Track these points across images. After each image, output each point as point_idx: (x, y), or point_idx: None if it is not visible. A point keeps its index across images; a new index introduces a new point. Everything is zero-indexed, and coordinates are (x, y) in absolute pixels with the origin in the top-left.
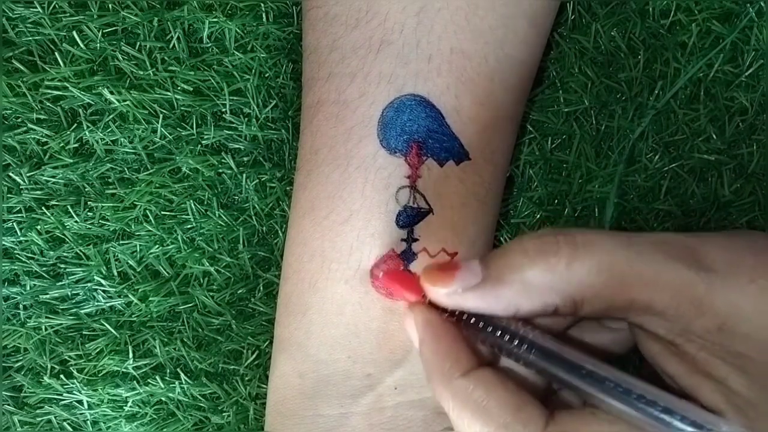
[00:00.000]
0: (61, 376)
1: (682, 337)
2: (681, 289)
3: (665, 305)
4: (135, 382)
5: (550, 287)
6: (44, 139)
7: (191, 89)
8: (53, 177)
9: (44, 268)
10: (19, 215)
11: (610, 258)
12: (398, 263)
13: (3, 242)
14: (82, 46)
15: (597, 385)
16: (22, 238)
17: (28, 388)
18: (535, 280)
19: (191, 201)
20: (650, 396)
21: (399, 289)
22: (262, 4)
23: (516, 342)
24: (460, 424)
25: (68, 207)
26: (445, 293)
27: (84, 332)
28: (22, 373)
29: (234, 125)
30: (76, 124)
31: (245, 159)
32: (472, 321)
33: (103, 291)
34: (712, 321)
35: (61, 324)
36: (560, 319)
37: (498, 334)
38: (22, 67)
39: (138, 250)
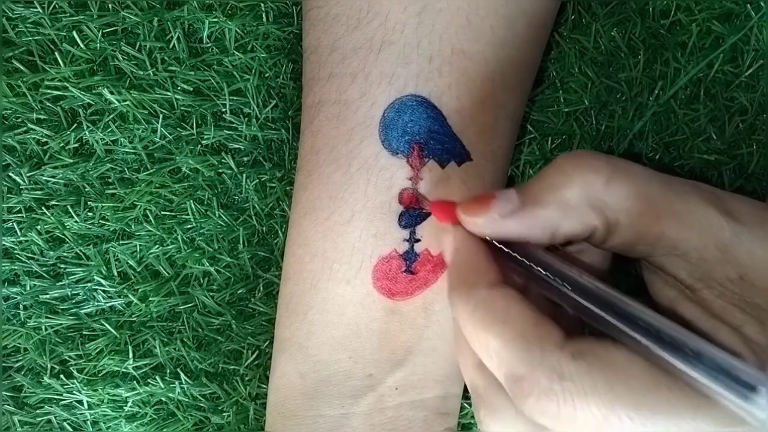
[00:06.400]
0: (61, 376)
1: (701, 282)
2: (709, 231)
3: (692, 245)
4: (135, 382)
5: (588, 205)
6: (44, 139)
7: (191, 89)
8: (53, 177)
9: (44, 268)
10: (19, 215)
11: (647, 187)
12: (400, 264)
13: (3, 242)
14: (82, 46)
15: (636, 329)
16: (22, 238)
17: (28, 388)
18: (573, 198)
19: (191, 201)
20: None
21: (445, 217)
22: (262, 4)
23: (550, 273)
24: (475, 336)
25: (68, 207)
26: (482, 222)
27: (84, 332)
28: (22, 373)
29: (234, 125)
30: (76, 124)
31: (245, 159)
32: (507, 251)
33: (103, 291)
34: (734, 270)
35: (61, 324)
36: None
37: (534, 266)
38: (22, 67)
39: (138, 250)
